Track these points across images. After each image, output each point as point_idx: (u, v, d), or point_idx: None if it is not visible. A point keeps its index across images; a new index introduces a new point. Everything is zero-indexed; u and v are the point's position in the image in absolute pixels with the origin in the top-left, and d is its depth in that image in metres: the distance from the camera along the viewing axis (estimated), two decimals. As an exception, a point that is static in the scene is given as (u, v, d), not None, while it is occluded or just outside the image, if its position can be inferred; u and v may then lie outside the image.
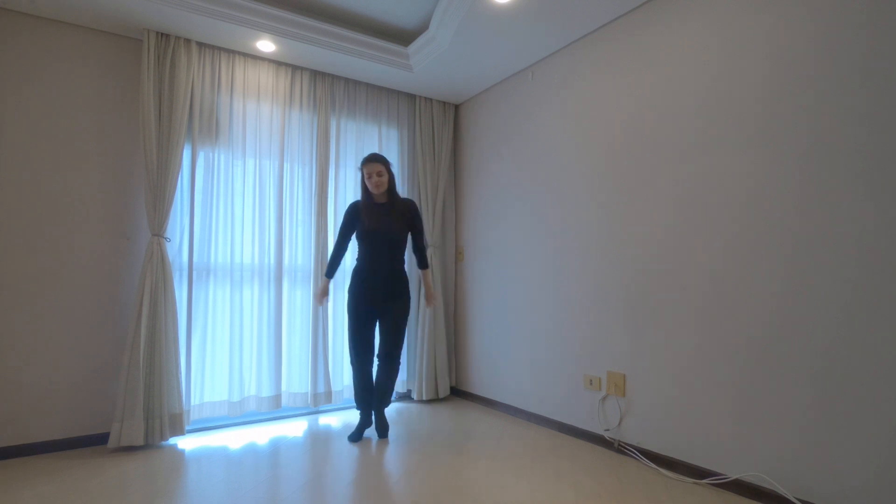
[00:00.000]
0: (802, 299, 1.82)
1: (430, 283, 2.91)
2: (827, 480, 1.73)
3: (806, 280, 1.82)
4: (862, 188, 1.69)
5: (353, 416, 3.14)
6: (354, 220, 2.73)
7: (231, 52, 2.99)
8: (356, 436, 2.67)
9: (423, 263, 2.88)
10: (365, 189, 2.70)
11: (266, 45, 2.92)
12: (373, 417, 2.81)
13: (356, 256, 2.79)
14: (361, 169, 2.66)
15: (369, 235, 2.65)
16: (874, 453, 1.63)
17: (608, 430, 2.55)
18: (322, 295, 2.80)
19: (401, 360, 2.80)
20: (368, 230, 2.64)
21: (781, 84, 1.91)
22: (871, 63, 1.68)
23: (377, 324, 2.75)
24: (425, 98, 3.72)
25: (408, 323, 2.78)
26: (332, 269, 2.78)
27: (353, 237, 2.79)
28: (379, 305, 2.68)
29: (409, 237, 2.99)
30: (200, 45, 2.88)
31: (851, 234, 1.71)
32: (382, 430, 2.73)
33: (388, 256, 2.67)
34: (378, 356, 2.75)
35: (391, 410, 3.30)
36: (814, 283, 1.79)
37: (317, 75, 3.28)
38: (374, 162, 2.63)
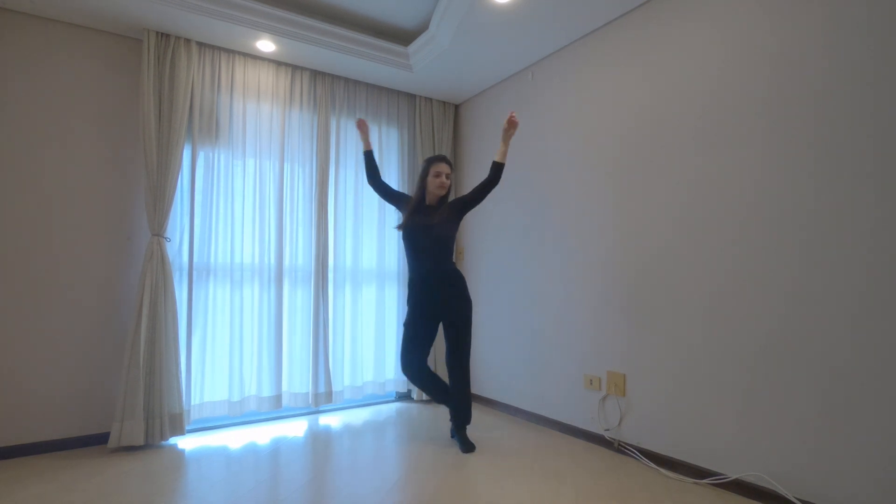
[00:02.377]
0: (805, 300, 1.82)
1: (504, 146, 2.55)
2: (827, 480, 1.73)
3: (809, 280, 1.81)
4: (871, 188, 1.68)
5: (354, 416, 3.14)
6: (399, 202, 2.66)
7: (231, 52, 2.99)
8: (452, 433, 2.60)
9: (494, 174, 2.55)
10: (422, 188, 2.59)
11: (266, 45, 2.92)
12: (453, 434, 2.64)
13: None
14: (429, 166, 2.56)
15: (411, 235, 2.53)
16: (874, 453, 1.63)
17: (608, 430, 2.55)
18: (363, 127, 2.71)
19: (469, 370, 2.58)
20: (410, 228, 2.53)
21: (784, 82, 1.91)
22: (877, 59, 1.67)
23: (434, 329, 2.61)
24: (425, 98, 3.72)
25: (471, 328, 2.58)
26: (373, 160, 2.74)
27: (387, 201, 2.72)
28: (436, 311, 2.54)
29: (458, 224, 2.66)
30: (200, 44, 2.88)
31: (858, 235, 1.70)
32: (467, 447, 2.48)
33: (433, 257, 2.52)
34: (447, 367, 2.58)
35: (391, 410, 3.30)
36: (817, 283, 1.79)
37: (317, 75, 3.28)
38: (446, 163, 2.57)
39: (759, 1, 1.99)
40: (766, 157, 1.95)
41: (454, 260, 2.71)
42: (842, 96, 1.75)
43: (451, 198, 2.63)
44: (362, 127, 2.76)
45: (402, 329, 2.89)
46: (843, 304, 1.72)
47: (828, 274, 1.76)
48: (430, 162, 2.59)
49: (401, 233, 2.59)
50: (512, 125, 2.51)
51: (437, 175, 2.55)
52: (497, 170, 2.56)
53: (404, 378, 3.56)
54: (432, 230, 2.51)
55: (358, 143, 3.43)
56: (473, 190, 2.60)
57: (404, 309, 3.55)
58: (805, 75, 1.84)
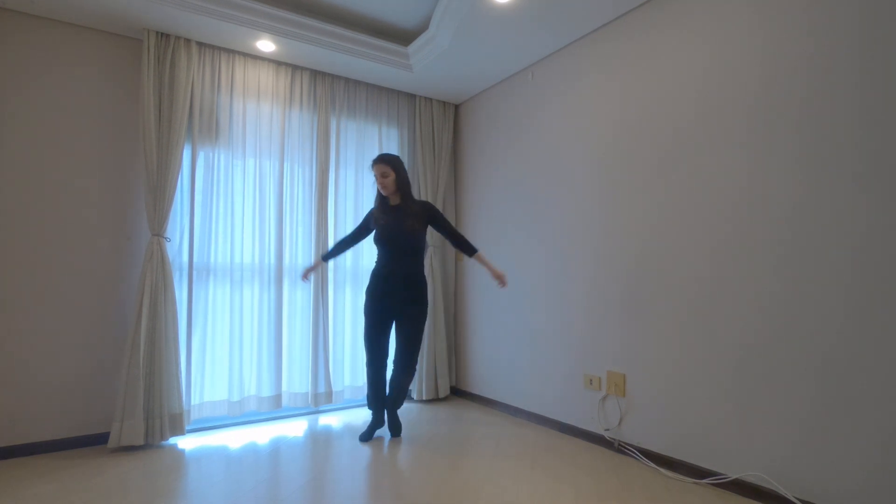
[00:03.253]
0: (803, 298, 1.82)
1: (490, 264, 2.67)
2: (827, 480, 1.73)
3: (805, 279, 1.82)
4: (857, 188, 1.69)
5: (354, 416, 3.14)
6: (369, 221, 2.73)
7: (231, 52, 2.99)
8: (367, 436, 2.66)
9: (469, 249, 2.70)
10: (378, 195, 2.70)
11: (266, 45, 2.92)
12: (385, 417, 2.79)
13: (375, 259, 2.76)
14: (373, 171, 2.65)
15: (382, 237, 2.62)
16: (874, 453, 1.63)
17: (608, 429, 2.55)
18: (308, 270, 2.77)
19: (416, 365, 2.74)
20: (381, 232, 2.62)
21: (780, 84, 1.91)
22: (867, 64, 1.68)
23: (393, 327, 2.71)
24: (425, 98, 3.72)
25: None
26: (329, 252, 2.81)
27: (372, 240, 2.78)
28: (395, 309, 2.64)
29: (429, 237, 2.86)
30: (200, 44, 2.88)
31: (848, 234, 1.71)
32: (395, 429, 2.73)
33: (403, 259, 2.62)
34: (394, 361, 2.72)
35: (391, 410, 3.30)
36: (813, 282, 1.79)
37: (317, 75, 3.28)
38: (379, 163, 2.61)
39: (754, 7, 2.00)
40: (761, 158, 1.95)
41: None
42: (828, 99, 1.75)
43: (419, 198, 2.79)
44: (306, 276, 2.80)
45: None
46: (841, 303, 1.72)
47: (825, 272, 1.76)
48: (371, 167, 2.65)
49: (376, 233, 2.68)
50: (500, 282, 2.66)
51: (376, 178, 2.62)
52: (468, 253, 2.70)
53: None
54: (399, 225, 2.59)
55: (358, 144, 3.44)
56: (449, 229, 2.70)
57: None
58: (793, 78, 1.84)
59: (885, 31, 1.65)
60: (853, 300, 1.69)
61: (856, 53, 1.71)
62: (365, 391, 3.39)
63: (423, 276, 2.70)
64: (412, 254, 2.64)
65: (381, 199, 2.69)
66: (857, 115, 1.71)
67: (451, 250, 3.82)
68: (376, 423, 2.71)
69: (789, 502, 1.81)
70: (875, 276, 1.64)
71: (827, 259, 1.76)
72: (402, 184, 2.65)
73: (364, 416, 3.16)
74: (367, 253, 3.46)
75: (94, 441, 2.58)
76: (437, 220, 2.70)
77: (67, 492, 2.00)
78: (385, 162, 2.60)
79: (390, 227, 2.60)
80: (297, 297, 3.17)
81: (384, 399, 2.74)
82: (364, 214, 3.44)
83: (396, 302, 2.62)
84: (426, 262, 3.50)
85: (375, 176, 2.62)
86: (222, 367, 2.90)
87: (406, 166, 3.65)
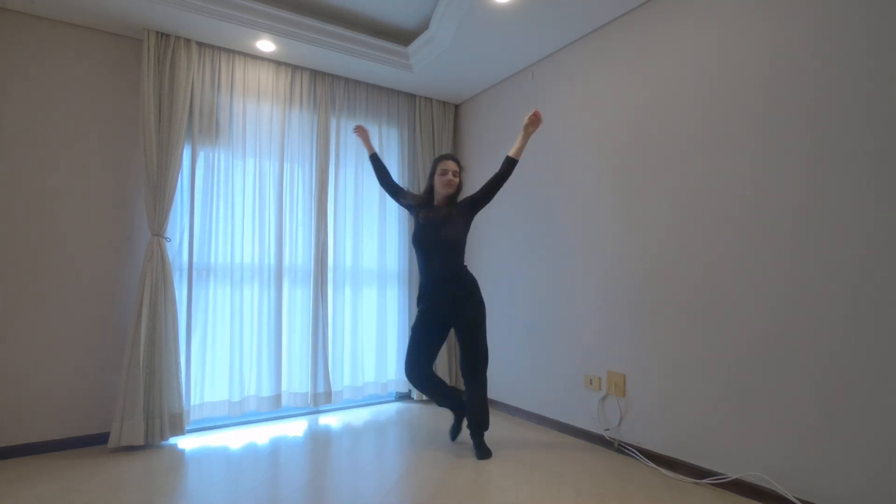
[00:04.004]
0: (803, 300, 1.82)
1: (521, 141, 2.43)
2: (827, 480, 1.73)
3: (807, 281, 1.81)
4: (864, 188, 1.69)
5: (354, 417, 3.14)
6: (410, 206, 2.60)
7: (231, 52, 2.99)
8: (452, 433, 2.62)
9: (507, 168, 2.44)
10: (430, 188, 2.53)
11: (266, 45, 2.92)
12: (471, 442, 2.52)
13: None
14: (436, 164, 2.50)
15: (421, 236, 2.46)
16: (874, 453, 1.63)
17: (608, 429, 2.55)
18: (362, 132, 2.68)
19: (486, 377, 2.49)
20: (422, 233, 2.46)
21: (783, 82, 1.91)
22: (874, 61, 1.68)
23: (444, 334, 2.52)
24: (425, 98, 3.72)
25: (485, 329, 2.50)
26: (378, 162, 2.69)
27: (398, 202, 2.66)
28: (448, 316, 2.45)
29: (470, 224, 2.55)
30: (200, 44, 2.88)
31: (852, 235, 1.71)
32: (483, 453, 2.41)
33: (444, 259, 2.44)
34: (462, 374, 2.50)
35: (391, 410, 3.30)
36: (815, 283, 1.79)
37: (317, 75, 3.28)
38: (453, 160, 2.50)
39: (759, 5, 1.99)
40: (763, 159, 1.95)
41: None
42: (836, 98, 1.75)
43: (462, 197, 2.60)
44: (361, 132, 2.74)
45: (402, 330, 2.85)
46: (841, 303, 1.72)
47: (826, 273, 1.76)
48: (438, 160, 2.51)
49: (410, 235, 2.54)
50: (535, 122, 2.38)
51: (444, 173, 2.46)
52: (510, 165, 2.44)
53: (404, 378, 3.56)
54: (442, 231, 2.43)
55: (358, 143, 3.43)
56: (482, 188, 2.49)
57: (405, 309, 3.57)
58: (800, 77, 1.84)
59: (892, 29, 1.65)
60: (855, 301, 1.69)
61: (863, 52, 1.71)
62: (365, 391, 3.39)
63: (468, 273, 2.51)
64: (453, 254, 2.47)
65: (430, 197, 2.53)
66: (864, 114, 1.70)
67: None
68: (457, 417, 2.60)
69: (789, 502, 1.81)
70: (878, 277, 1.64)
71: (830, 260, 1.76)
72: (458, 192, 2.53)
73: (364, 416, 3.16)
74: (367, 252, 3.46)
75: (94, 441, 2.58)
76: (477, 201, 2.50)
77: (67, 492, 2.00)
78: (458, 162, 2.52)
79: (438, 227, 2.43)
80: (297, 297, 3.17)
81: (447, 390, 2.54)
82: (364, 214, 3.44)
83: (446, 305, 2.44)
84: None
85: (443, 171, 2.46)
86: (222, 367, 2.90)
87: (406, 166, 3.66)
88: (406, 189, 2.65)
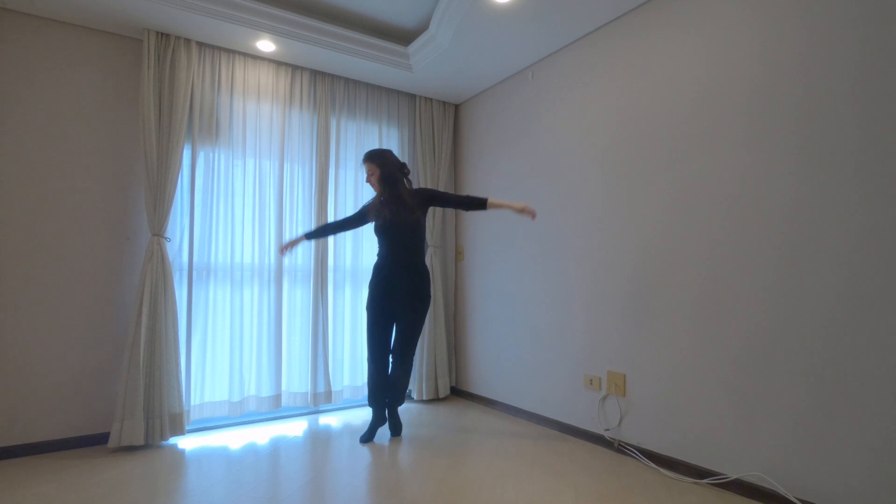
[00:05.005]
0: (802, 298, 1.82)
1: (506, 203, 2.58)
2: (827, 480, 1.73)
3: (804, 279, 1.82)
4: (856, 187, 1.69)
5: (354, 416, 3.14)
6: (364, 213, 2.73)
7: (231, 52, 2.99)
8: (368, 436, 2.63)
9: (476, 203, 2.61)
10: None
11: (266, 45, 2.92)
12: (386, 415, 2.76)
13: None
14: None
15: (381, 229, 2.64)
16: (874, 453, 1.63)
17: (608, 429, 2.55)
18: (287, 245, 2.74)
19: (413, 359, 2.74)
20: (379, 224, 2.64)
21: (778, 82, 1.91)
22: (864, 63, 1.68)
23: (395, 321, 2.70)
24: (425, 98, 3.72)
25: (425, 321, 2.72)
26: (312, 232, 2.78)
27: (370, 230, 2.80)
28: (396, 301, 2.63)
29: (429, 237, 2.81)
30: (200, 45, 2.88)
31: (847, 233, 1.71)
32: (396, 428, 2.72)
33: (403, 250, 2.62)
34: (392, 353, 2.71)
35: (391, 410, 3.30)
36: (812, 282, 1.79)
37: (317, 75, 3.28)
38: (364, 162, 2.67)
39: (752, 6, 2.00)
40: (759, 157, 1.95)
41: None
42: (826, 97, 1.75)
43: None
44: (284, 251, 2.78)
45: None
46: (841, 302, 1.72)
47: (825, 272, 1.76)
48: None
49: (373, 227, 2.72)
50: (528, 214, 2.55)
51: (367, 177, 2.68)
52: (479, 206, 2.62)
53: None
54: (400, 221, 2.59)
55: (358, 144, 3.44)
56: (450, 196, 2.68)
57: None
58: (790, 78, 1.85)
59: (883, 28, 1.65)
60: (853, 300, 1.69)
61: (854, 52, 1.71)
62: (365, 391, 3.40)
63: (425, 267, 2.70)
64: (412, 244, 2.64)
65: (378, 194, 2.70)
66: (855, 113, 1.71)
67: (451, 250, 3.82)
68: (377, 422, 2.69)
69: (789, 502, 1.81)
70: (875, 275, 1.64)
71: (826, 258, 1.76)
72: (388, 177, 2.62)
73: (364, 415, 3.16)
74: (367, 253, 3.46)
75: (94, 441, 2.58)
76: (435, 198, 2.70)
77: (67, 492, 2.00)
78: (368, 160, 2.65)
79: (387, 218, 2.60)
80: (297, 297, 3.17)
81: (385, 396, 2.72)
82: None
83: (398, 294, 2.62)
84: (426, 259, 3.48)
85: (367, 176, 2.69)
86: (222, 367, 2.90)
87: (406, 166, 3.65)
88: (363, 208, 2.77)
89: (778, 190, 1.91)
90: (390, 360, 2.73)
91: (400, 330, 2.68)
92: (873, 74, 1.67)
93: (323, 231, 2.81)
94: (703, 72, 2.19)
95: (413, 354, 2.73)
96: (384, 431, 2.79)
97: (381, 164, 2.63)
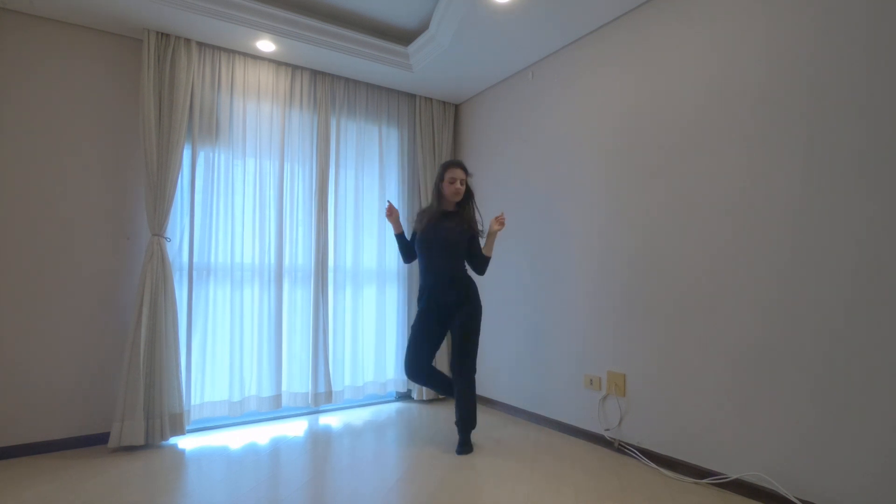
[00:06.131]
0: (803, 299, 1.82)
1: (489, 241, 2.59)
2: (827, 480, 1.73)
3: (806, 279, 1.82)
4: (860, 187, 1.69)
5: (354, 417, 3.14)
6: (418, 224, 2.61)
7: (231, 52, 2.99)
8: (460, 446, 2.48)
9: (485, 261, 2.59)
10: (437, 193, 2.57)
11: (266, 45, 2.92)
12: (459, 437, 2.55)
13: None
14: (443, 172, 2.53)
15: (425, 237, 2.51)
16: (874, 453, 1.63)
17: (608, 429, 2.55)
18: (394, 212, 2.61)
19: (472, 376, 2.51)
20: (425, 235, 2.51)
21: (780, 82, 1.91)
22: (869, 62, 1.68)
23: (442, 334, 2.55)
24: (425, 98, 3.72)
25: (479, 332, 2.55)
26: (405, 240, 2.68)
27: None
28: (446, 316, 2.50)
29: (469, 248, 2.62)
30: (200, 45, 2.88)
31: (849, 234, 1.71)
32: (463, 450, 2.46)
33: (446, 262, 2.49)
34: (451, 371, 2.54)
35: (391, 410, 3.30)
36: (813, 282, 1.79)
37: (317, 75, 3.28)
38: (461, 168, 2.53)
39: (756, 3, 1.99)
40: (762, 157, 1.95)
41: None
42: (832, 96, 1.75)
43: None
44: (392, 214, 2.63)
45: (402, 330, 2.86)
46: (842, 302, 1.71)
47: (827, 272, 1.76)
48: (445, 168, 2.53)
49: (419, 237, 2.57)
50: (499, 224, 2.57)
51: (452, 181, 2.50)
52: (485, 263, 2.59)
53: (404, 378, 3.56)
54: (446, 234, 2.48)
55: (358, 144, 3.44)
56: (476, 252, 2.57)
57: (405, 308, 3.57)
58: (795, 76, 1.84)
59: (890, 27, 1.65)
60: (854, 300, 1.69)
61: (861, 50, 1.71)
62: (365, 391, 3.39)
63: (468, 276, 2.57)
64: (454, 257, 2.51)
65: (438, 203, 2.56)
66: (861, 113, 1.70)
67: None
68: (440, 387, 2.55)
69: (789, 502, 1.81)
70: (876, 276, 1.64)
71: (828, 259, 1.76)
72: (469, 197, 2.59)
73: (364, 416, 3.16)
74: (367, 253, 3.46)
75: (95, 441, 2.58)
76: (473, 241, 2.57)
77: (67, 492, 2.00)
78: (463, 168, 2.54)
79: (442, 230, 2.49)
80: (297, 297, 3.17)
81: (448, 380, 2.57)
82: (364, 214, 3.44)
83: (444, 306, 2.49)
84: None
85: (451, 180, 2.50)
86: (222, 367, 2.90)
87: (406, 166, 3.66)
88: (413, 230, 2.65)
89: (780, 190, 1.91)
90: (453, 380, 2.55)
91: (456, 345, 2.50)
92: (880, 74, 1.67)
93: (407, 247, 2.68)
94: (705, 71, 2.19)
95: (473, 371, 2.52)
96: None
97: (468, 184, 2.58)
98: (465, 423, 2.50)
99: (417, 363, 2.51)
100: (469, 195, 2.60)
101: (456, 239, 2.50)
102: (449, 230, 2.50)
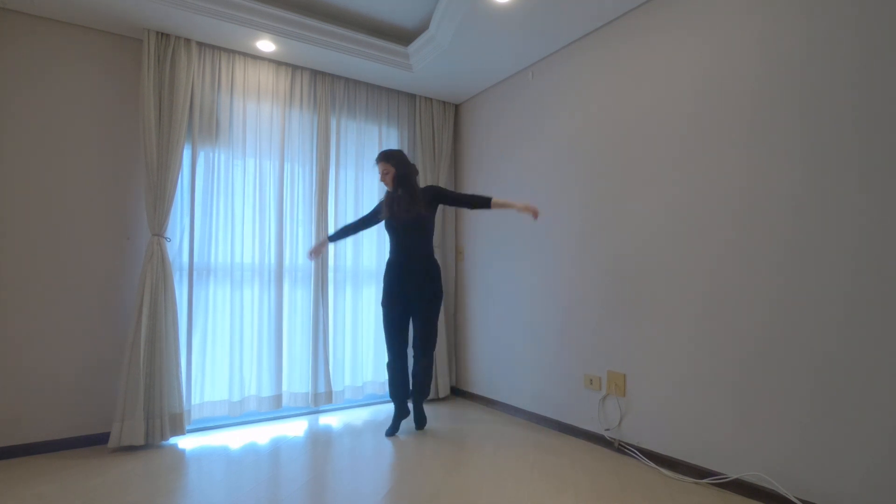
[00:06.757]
0: (802, 298, 1.82)
1: (510, 202, 2.64)
2: (827, 480, 1.73)
3: (805, 279, 1.82)
4: (857, 187, 1.69)
5: (354, 417, 3.14)
6: (378, 211, 2.83)
7: (231, 52, 2.99)
8: (392, 429, 2.75)
9: (481, 201, 2.67)
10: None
11: (266, 45, 2.92)
12: (410, 409, 2.87)
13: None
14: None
15: (391, 225, 2.74)
16: (874, 453, 1.63)
17: (608, 429, 2.55)
18: (315, 249, 2.86)
19: (434, 353, 2.82)
20: (388, 219, 2.74)
21: (779, 83, 1.91)
22: (865, 62, 1.68)
23: (410, 315, 2.79)
24: (425, 98, 3.72)
25: (440, 314, 2.84)
26: (336, 233, 2.88)
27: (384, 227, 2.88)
28: (409, 295, 2.72)
29: (440, 216, 2.96)
30: (200, 45, 2.88)
31: (848, 234, 1.71)
32: (420, 421, 2.84)
33: (414, 245, 2.72)
34: (413, 348, 2.82)
35: (391, 410, 3.30)
36: (813, 282, 1.79)
37: (317, 75, 3.28)
38: (379, 161, 2.75)
39: (753, 6, 1.99)
40: (761, 157, 1.95)
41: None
42: (827, 97, 1.75)
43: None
44: (317, 254, 2.89)
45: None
46: (842, 302, 1.72)
47: (826, 272, 1.76)
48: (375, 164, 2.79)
49: (384, 223, 2.82)
50: (530, 212, 2.60)
51: (381, 177, 2.76)
52: (483, 205, 2.69)
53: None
54: (411, 217, 2.68)
55: (358, 144, 3.44)
56: (458, 195, 2.75)
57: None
58: (791, 77, 1.84)
59: (884, 28, 1.65)
60: (854, 300, 1.69)
61: (855, 51, 1.71)
62: (365, 391, 3.40)
63: (435, 261, 2.80)
64: (422, 239, 2.73)
65: (391, 191, 2.77)
66: (856, 113, 1.71)
67: (451, 250, 3.82)
68: (400, 415, 2.79)
69: (789, 502, 1.81)
70: (876, 277, 1.64)
71: (827, 259, 1.76)
72: (402, 177, 2.72)
73: (364, 416, 3.16)
74: (366, 253, 3.46)
75: (95, 441, 2.58)
76: (441, 195, 2.77)
77: (67, 492, 2.00)
78: (384, 160, 2.74)
79: (398, 214, 2.69)
80: (298, 297, 3.17)
81: (407, 390, 2.82)
82: (364, 213, 3.44)
83: (411, 288, 2.71)
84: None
85: (380, 176, 2.76)
86: (222, 367, 2.90)
87: (416, 167, 3.65)
88: (375, 208, 2.89)
89: (780, 190, 1.91)
90: (410, 354, 2.80)
91: (416, 325, 2.78)
92: (875, 73, 1.67)
93: (344, 232, 2.88)
94: (704, 71, 2.19)
95: (432, 348, 2.80)
96: (408, 425, 2.90)
97: (396, 164, 2.72)
98: (424, 393, 2.85)
99: (403, 341, 2.76)
100: (404, 175, 2.72)
101: (420, 222, 2.70)
102: (411, 213, 2.68)
